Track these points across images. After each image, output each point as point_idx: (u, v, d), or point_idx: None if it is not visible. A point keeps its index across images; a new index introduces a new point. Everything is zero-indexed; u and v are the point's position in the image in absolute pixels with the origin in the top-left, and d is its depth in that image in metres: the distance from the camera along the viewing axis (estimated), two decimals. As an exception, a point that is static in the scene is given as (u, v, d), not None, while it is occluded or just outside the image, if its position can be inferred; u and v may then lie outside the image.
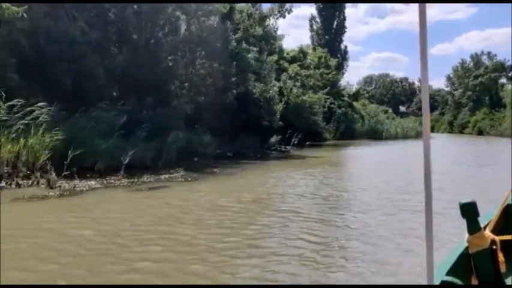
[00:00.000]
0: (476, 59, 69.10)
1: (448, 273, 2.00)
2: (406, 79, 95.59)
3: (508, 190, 2.66)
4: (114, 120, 13.12)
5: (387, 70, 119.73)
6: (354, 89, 56.68)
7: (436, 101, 79.08)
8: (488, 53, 68.41)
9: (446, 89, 78.20)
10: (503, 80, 65.32)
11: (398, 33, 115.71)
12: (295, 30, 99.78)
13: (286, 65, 30.37)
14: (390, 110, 71.12)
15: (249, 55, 19.38)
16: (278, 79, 28.91)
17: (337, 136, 39.00)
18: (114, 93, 18.70)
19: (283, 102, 27.73)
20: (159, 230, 6.40)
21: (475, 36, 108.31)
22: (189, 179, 11.90)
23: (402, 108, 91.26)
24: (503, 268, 1.98)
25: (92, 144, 11.52)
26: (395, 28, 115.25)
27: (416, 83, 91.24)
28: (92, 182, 10.39)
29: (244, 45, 19.75)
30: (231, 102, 21.29)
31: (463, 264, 2.04)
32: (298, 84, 28.88)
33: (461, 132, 61.66)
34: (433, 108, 76.70)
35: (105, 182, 10.67)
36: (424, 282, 1.55)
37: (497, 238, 2.01)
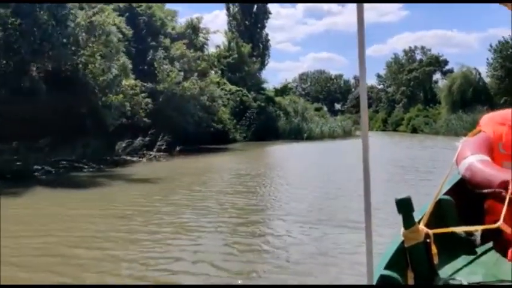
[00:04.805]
0: (409, 53, 65.90)
1: (386, 267, 2.12)
2: (340, 76, 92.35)
3: (440, 185, 2.50)
4: None
5: (326, 70, 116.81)
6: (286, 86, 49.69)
7: (371, 97, 75.68)
8: (422, 48, 65.44)
9: (378, 86, 74.95)
10: (438, 76, 62.41)
11: (335, 34, 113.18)
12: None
13: (168, 43, 22.74)
14: (325, 108, 67.81)
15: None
16: (153, 62, 21.39)
17: (250, 137, 31.79)
18: None
19: (158, 92, 20.32)
20: None
21: (406, 37, 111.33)
22: None
23: (337, 106, 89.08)
24: (436, 260, 2.10)
25: None
26: (332, 29, 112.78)
27: (352, 81, 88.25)
28: None
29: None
30: (38, 88, 13.41)
31: (400, 258, 2.14)
32: (178, 67, 21.13)
33: (395, 130, 57.70)
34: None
35: None
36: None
37: (431, 232, 2.11)
